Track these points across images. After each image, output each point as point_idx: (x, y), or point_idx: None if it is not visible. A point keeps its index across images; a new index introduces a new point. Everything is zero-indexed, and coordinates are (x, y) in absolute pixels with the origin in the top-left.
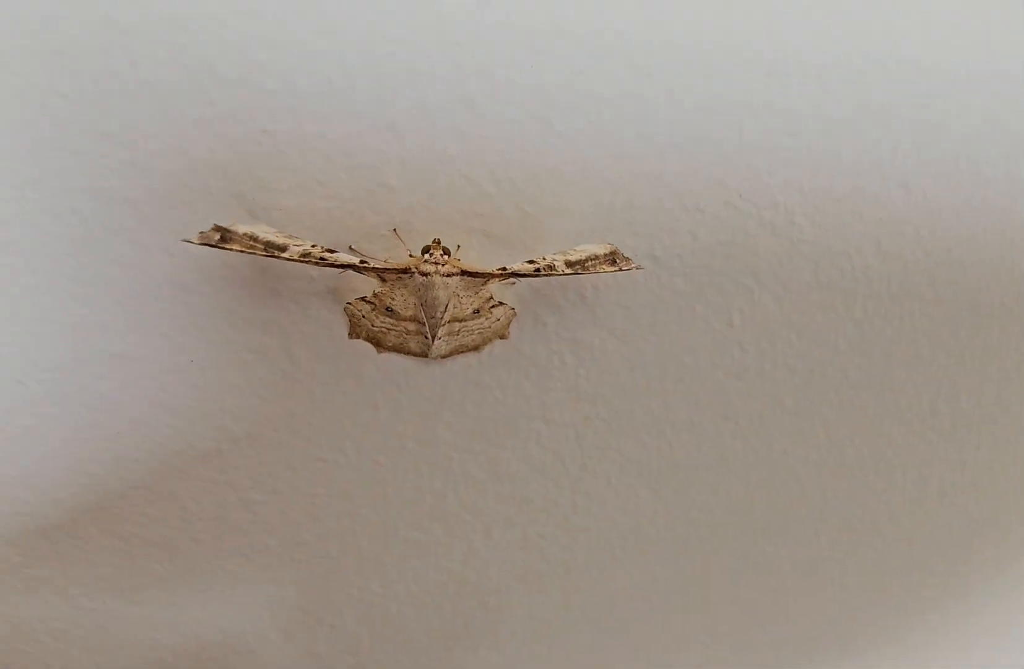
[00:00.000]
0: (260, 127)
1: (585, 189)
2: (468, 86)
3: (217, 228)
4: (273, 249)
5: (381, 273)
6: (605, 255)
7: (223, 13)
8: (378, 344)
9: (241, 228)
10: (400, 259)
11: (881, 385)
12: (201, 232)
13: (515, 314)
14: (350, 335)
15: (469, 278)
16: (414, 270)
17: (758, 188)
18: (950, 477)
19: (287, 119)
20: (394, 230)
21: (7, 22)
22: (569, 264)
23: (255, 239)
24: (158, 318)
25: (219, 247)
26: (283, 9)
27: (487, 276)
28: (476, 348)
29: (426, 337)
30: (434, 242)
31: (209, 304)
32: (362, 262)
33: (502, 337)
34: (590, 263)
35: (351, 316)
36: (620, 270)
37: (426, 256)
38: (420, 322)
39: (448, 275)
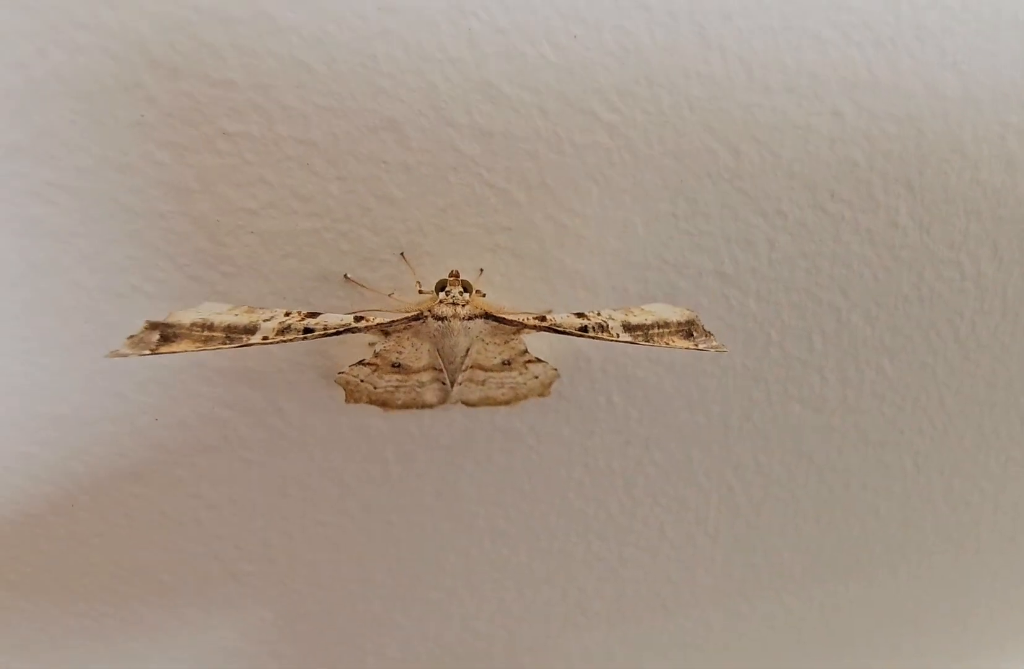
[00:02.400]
0: (217, 129)
1: (638, 194)
2: (488, 68)
3: (153, 326)
4: (239, 334)
5: (386, 327)
6: (679, 324)
7: None
8: (384, 405)
9: (185, 317)
10: (409, 290)
11: (981, 411)
12: (131, 337)
13: (558, 375)
14: (347, 400)
15: (496, 323)
16: (427, 314)
17: (855, 186)
18: None
19: (252, 118)
20: (401, 254)
21: None
22: (628, 328)
23: (210, 327)
24: (110, 374)
25: (163, 353)
26: None
27: (518, 326)
28: (507, 403)
29: (444, 383)
30: (451, 275)
31: (172, 355)
32: (358, 320)
33: (541, 395)
34: (656, 331)
35: (346, 384)
36: (695, 348)
37: (441, 294)
38: (437, 369)
39: (469, 318)
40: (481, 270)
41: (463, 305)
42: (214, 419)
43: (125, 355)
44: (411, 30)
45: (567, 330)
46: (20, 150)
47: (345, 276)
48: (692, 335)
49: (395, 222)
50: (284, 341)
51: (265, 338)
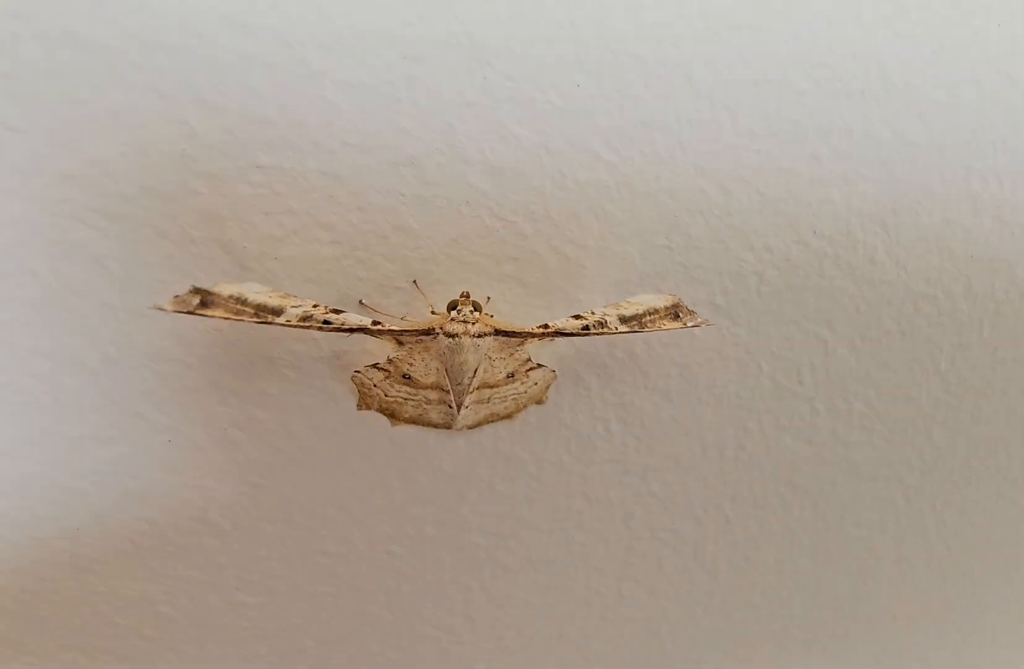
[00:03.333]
0: (252, 162)
1: (635, 228)
2: (500, 111)
3: (196, 291)
4: (266, 313)
5: (398, 335)
6: (666, 308)
7: (207, 27)
8: (392, 416)
9: (226, 289)
10: (420, 315)
11: (968, 445)
12: (176, 296)
13: (555, 377)
14: (359, 406)
15: (504, 338)
16: (438, 331)
17: (835, 224)
18: None
19: (284, 152)
20: (414, 282)
21: None
22: (624, 320)
23: (243, 302)
24: (128, 393)
25: (198, 314)
26: (280, 22)
27: (525, 336)
28: (508, 416)
29: (450, 406)
30: (462, 296)
31: (189, 375)
32: (375, 324)
33: (539, 402)
34: (648, 318)
35: (360, 386)
36: (685, 326)
37: (453, 313)
38: (443, 390)
39: (479, 335)
40: (488, 297)
41: (473, 323)
42: (226, 441)
43: (166, 310)
44: (432, 76)
45: (571, 332)
46: (70, 178)
47: (360, 302)
48: (679, 316)
49: (410, 251)
50: (302, 327)
51: (288, 321)
